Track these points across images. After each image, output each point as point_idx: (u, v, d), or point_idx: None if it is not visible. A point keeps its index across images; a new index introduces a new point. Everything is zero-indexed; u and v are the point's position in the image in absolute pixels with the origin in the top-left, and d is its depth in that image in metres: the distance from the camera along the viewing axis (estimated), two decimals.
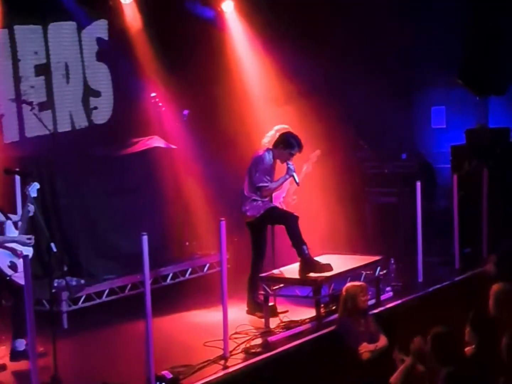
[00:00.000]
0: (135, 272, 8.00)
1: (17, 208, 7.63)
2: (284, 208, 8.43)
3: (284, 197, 8.61)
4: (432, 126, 11.60)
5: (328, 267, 7.62)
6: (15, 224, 6.85)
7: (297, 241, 7.65)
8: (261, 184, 7.75)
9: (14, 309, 6.62)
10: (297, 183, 7.98)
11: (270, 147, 7.95)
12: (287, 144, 7.81)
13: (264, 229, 7.95)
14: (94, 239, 8.35)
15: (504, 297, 7.10)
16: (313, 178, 9.21)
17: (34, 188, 6.78)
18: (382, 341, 6.92)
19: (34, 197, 6.75)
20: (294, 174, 7.85)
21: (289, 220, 7.72)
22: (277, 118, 9.50)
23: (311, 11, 10.69)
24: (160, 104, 9.63)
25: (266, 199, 7.87)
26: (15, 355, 6.61)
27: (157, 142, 9.29)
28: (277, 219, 7.86)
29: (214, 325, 7.03)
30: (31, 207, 6.73)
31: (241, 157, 8.78)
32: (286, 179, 7.91)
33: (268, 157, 7.81)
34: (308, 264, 7.61)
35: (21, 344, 6.61)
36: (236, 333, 7.12)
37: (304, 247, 7.65)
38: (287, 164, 7.84)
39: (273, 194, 8.18)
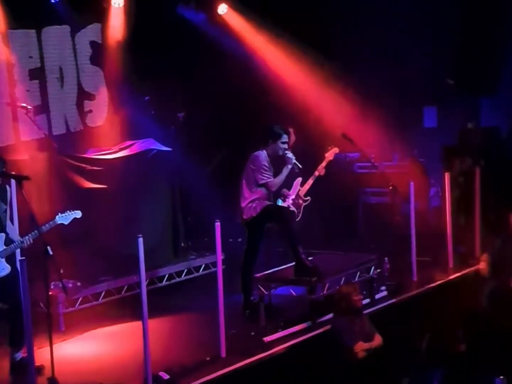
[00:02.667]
0: (131, 273, 8.06)
1: (13, 211, 7.64)
2: (294, 210, 8.33)
3: (294, 198, 8.45)
4: (424, 126, 11.67)
5: (320, 272, 7.65)
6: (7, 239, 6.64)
7: (293, 241, 7.69)
8: (264, 181, 7.79)
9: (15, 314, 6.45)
10: (300, 168, 8.02)
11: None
12: (274, 136, 7.89)
13: (261, 229, 7.97)
14: (90, 241, 8.38)
15: (496, 296, 7.19)
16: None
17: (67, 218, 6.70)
18: (377, 340, 6.99)
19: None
20: (296, 162, 7.92)
21: (286, 218, 7.76)
22: (275, 118, 9.57)
23: (301, 12, 10.80)
24: (152, 107, 9.68)
25: (264, 199, 7.90)
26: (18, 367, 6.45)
27: (152, 144, 9.34)
28: (274, 216, 7.89)
29: (210, 326, 7.07)
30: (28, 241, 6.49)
31: (236, 157, 8.81)
32: (289, 169, 7.91)
33: (263, 155, 7.87)
34: (302, 266, 7.66)
35: (20, 354, 6.54)
36: (232, 333, 7.15)
37: (300, 248, 7.70)
38: (286, 154, 7.90)
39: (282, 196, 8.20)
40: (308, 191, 8.46)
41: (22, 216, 7.05)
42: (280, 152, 7.91)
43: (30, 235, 6.45)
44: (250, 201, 7.83)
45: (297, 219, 8.28)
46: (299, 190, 8.40)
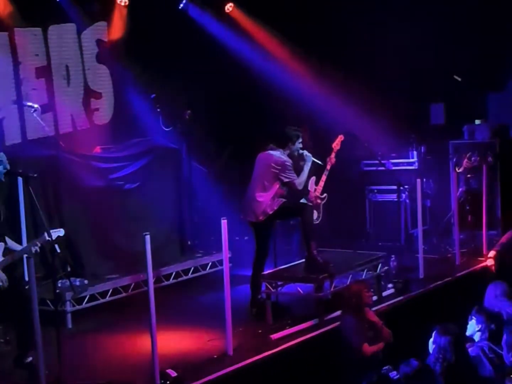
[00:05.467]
0: (138, 271, 8.06)
1: (20, 210, 7.66)
2: (314, 212, 8.24)
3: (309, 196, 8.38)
4: (431, 123, 11.63)
5: (330, 269, 7.66)
6: (7, 249, 6.45)
7: (308, 236, 7.71)
8: (289, 179, 7.79)
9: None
10: (321, 164, 8.11)
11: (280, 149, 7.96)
12: (292, 139, 7.92)
13: (272, 227, 7.98)
14: (97, 239, 8.39)
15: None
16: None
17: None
18: (387, 336, 6.97)
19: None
20: (314, 159, 7.96)
21: (305, 212, 7.77)
22: (276, 117, 9.57)
23: (307, 10, 10.80)
24: (158, 105, 9.69)
25: (279, 196, 7.88)
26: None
27: (158, 142, 9.34)
28: (293, 212, 7.92)
29: (217, 323, 7.07)
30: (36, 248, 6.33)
31: (242, 155, 8.81)
32: (309, 166, 7.91)
33: (285, 155, 7.90)
34: (313, 262, 7.67)
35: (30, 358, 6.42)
36: (239, 330, 7.14)
37: (312, 243, 7.71)
38: (303, 154, 7.93)
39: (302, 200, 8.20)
40: (324, 188, 8.43)
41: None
42: (296, 153, 7.94)
43: (36, 241, 6.28)
44: (266, 202, 7.79)
45: (318, 220, 8.30)
46: (315, 189, 8.36)
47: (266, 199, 7.80)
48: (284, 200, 7.88)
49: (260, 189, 7.85)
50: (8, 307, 6.38)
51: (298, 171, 7.92)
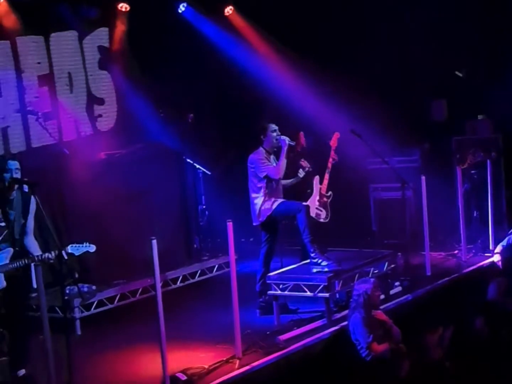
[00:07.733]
0: (145, 276, 8.08)
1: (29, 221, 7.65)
2: (322, 210, 8.34)
3: (319, 199, 8.39)
4: (433, 119, 11.61)
5: (335, 266, 7.67)
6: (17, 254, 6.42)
7: (307, 236, 7.72)
8: (265, 172, 7.85)
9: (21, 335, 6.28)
10: (293, 145, 8.11)
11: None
12: (262, 130, 8.00)
13: (276, 227, 8.04)
14: (103, 245, 8.39)
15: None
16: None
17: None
18: (396, 334, 6.97)
19: None
20: (290, 142, 7.97)
21: (301, 212, 7.79)
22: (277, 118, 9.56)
23: (304, 9, 10.81)
24: (161, 109, 9.71)
25: (275, 196, 7.94)
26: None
27: (162, 146, 9.36)
28: (288, 212, 7.94)
29: (226, 326, 7.09)
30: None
31: (246, 157, 8.84)
32: (285, 151, 7.93)
33: (258, 152, 7.96)
34: (315, 262, 7.69)
35: (22, 371, 6.39)
36: (247, 332, 7.16)
37: (314, 243, 7.72)
38: (279, 141, 7.96)
39: (309, 200, 8.24)
40: (329, 186, 8.46)
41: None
42: (275, 141, 7.99)
43: (38, 256, 6.29)
44: (262, 202, 7.87)
45: (327, 219, 8.33)
46: (320, 188, 8.39)
47: (261, 200, 7.89)
48: (282, 200, 7.93)
49: (253, 191, 7.94)
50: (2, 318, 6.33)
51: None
